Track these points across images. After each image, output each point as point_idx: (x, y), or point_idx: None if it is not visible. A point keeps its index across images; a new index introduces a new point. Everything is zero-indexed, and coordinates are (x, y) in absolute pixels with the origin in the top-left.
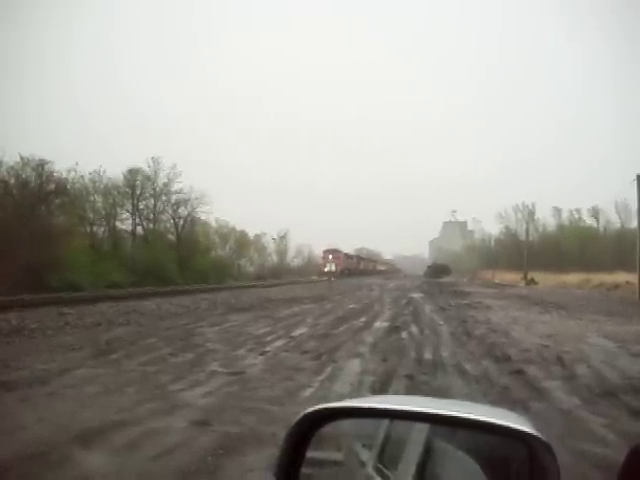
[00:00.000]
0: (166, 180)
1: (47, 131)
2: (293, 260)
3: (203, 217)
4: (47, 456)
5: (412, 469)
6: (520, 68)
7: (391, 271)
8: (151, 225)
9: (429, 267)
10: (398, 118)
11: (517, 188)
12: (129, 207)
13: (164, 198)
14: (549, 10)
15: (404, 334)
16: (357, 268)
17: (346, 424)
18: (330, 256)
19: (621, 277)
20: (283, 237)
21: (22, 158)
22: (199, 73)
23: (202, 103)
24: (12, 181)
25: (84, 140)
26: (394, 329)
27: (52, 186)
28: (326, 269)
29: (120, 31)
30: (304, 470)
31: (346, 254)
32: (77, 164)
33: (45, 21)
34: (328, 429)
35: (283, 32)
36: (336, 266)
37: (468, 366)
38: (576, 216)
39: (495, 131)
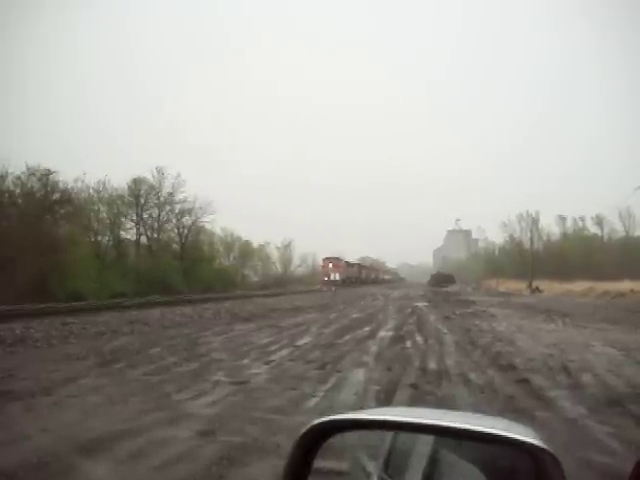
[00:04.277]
0: (170, 189)
1: (54, 135)
2: (297, 269)
3: (207, 226)
4: (51, 466)
5: None
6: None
7: (395, 280)
8: (155, 234)
9: (433, 276)
10: (400, 127)
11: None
12: (133, 216)
13: (168, 207)
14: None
15: (408, 343)
16: (359, 277)
17: (352, 435)
18: (330, 264)
19: (626, 285)
20: (287, 246)
21: (28, 168)
22: (200, 74)
23: (204, 106)
24: (17, 191)
25: (90, 145)
26: (398, 338)
27: (57, 196)
28: (326, 278)
29: (126, 31)
30: None
31: (347, 262)
32: (84, 174)
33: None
34: (334, 440)
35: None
36: (339, 275)
37: (473, 375)
38: (580, 224)
39: (491, 131)
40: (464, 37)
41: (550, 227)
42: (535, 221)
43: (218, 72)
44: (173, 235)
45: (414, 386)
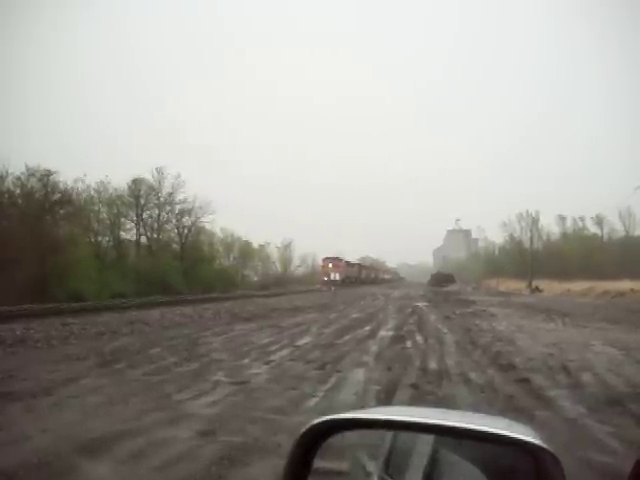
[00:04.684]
0: (170, 190)
1: (54, 135)
2: (297, 269)
3: (207, 226)
4: (52, 466)
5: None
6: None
7: (395, 279)
8: (155, 235)
9: (433, 275)
10: (401, 126)
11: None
12: (133, 217)
13: (168, 208)
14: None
15: (409, 343)
16: (359, 277)
17: (352, 434)
18: (330, 264)
19: (626, 285)
20: (287, 246)
21: (28, 169)
22: (200, 74)
23: (204, 106)
24: (17, 191)
25: (91, 145)
26: (399, 338)
27: (57, 196)
28: (326, 278)
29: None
30: None
31: (347, 262)
32: (84, 175)
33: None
34: (334, 439)
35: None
36: (339, 275)
37: (473, 375)
38: (580, 224)
39: (491, 131)
40: (466, 37)
41: (550, 227)
42: (535, 221)
43: (218, 72)
44: (173, 235)
45: (414, 386)
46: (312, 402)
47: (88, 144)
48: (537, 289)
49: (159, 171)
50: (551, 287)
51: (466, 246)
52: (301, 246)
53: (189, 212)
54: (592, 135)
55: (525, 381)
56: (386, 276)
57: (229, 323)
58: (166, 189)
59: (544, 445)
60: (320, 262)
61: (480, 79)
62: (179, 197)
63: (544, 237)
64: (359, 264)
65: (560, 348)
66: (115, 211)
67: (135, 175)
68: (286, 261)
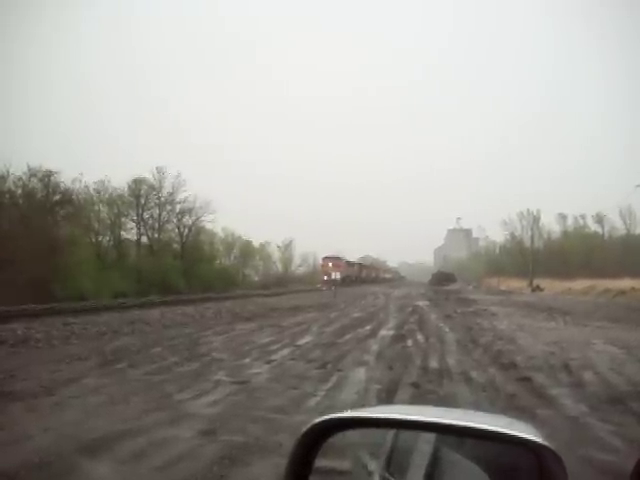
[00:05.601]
0: (171, 189)
1: (56, 135)
2: (298, 268)
3: (208, 226)
4: (53, 466)
5: (420, 479)
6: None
7: (396, 279)
8: (156, 234)
9: (434, 275)
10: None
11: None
12: (134, 217)
13: (169, 207)
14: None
15: (410, 342)
16: (359, 276)
17: (353, 433)
18: (330, 264)
19: (627, 283)
20: (288, 245)
21: (29, 169)
22: (203, 74)
23: (206, 103)
24: (19, 192)
25: (93, 145)
26: (400, 337)
27: (58, 196)
28: (326, 277)
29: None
30: None
31: (347, 261)
32: (81, 174)
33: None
34: (335, 439)
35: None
36: (339, 274)
37: (474, 374)
38: (581, 222)
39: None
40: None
41: (551, 225)
42: (536, 219)
43: (222, 72)
44: (174, 235)
45: (415, 385)
46: (313, 401)
47: (90, 144)
48: (538, 288)
49: (159, 170)
50: (552, 286)
51: (467, 245)
52: (302, 245)
53: (190, 212)
54: (588, 135)
55: (526, 380)
56: (387, 275)
57: (230, 322)
58: (166, 189)
59: (546, 443)
60: (321, 261)
61: (483, 79)
62: (180, 197)
63: (545, 236)
64: (359, 263)
65: (561, 347)
66: (116, 211)
67: (136, 175)
68: (287, 260)
